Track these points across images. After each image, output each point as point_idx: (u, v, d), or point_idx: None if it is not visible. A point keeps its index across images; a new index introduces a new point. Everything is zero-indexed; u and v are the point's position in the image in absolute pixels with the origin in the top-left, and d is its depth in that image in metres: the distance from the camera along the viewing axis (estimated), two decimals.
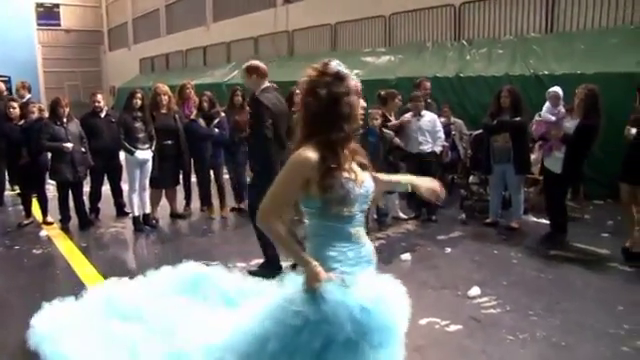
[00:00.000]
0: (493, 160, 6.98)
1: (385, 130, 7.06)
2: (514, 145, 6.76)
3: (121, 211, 8.07)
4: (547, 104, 6.65)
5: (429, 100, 8.22)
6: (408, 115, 7.55)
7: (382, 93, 7.86)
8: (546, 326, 4.35)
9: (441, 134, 7.56)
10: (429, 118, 7.47)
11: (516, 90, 6.99)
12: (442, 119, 8.18)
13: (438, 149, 7.47)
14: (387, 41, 13.85)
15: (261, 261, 5.83)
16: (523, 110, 6.79)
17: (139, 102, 7.17)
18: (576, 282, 5.32)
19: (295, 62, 16.01)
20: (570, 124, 6.18)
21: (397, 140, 7.16)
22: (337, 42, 15.48)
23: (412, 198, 7.93)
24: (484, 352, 3.94)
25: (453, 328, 4.34)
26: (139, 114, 7.16)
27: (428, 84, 8.77)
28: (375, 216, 7.27)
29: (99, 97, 7.65)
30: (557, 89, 6.68)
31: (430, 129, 7.44)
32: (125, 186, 7.75)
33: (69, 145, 6.92)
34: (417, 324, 4.36)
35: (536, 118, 6.63)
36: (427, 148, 7.42)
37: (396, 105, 7.74)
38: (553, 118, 6.44)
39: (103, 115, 7.60)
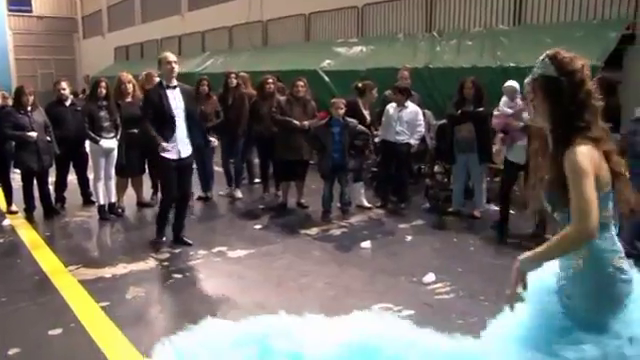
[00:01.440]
0: (457, 150, 7.10)
1: (349, 119, 7.13)
2: (477, 135, 6.90)
3: (87, 200, 8.05)
4: (504, 98, 6.77)
5: (413, 92, 8.21)
6: (391, 105, 7.63)
7: (359, 85, 7.94)
8: (496, 311, 4.45)
9: (421, 128, 7.60)
10: (411, 110, 7.53)
11: (479, 82, 7.10)
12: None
13: (414, 142, 7.51)
14: (359, 32, 13.90)
15: (222, 249, 5.93)
16: (486, 101, 6.93)
17: (104, 91, 7.16)
18: None
19: (269, 52, 16.03)
20: (528, 116, 6.29)
21: (361, 127, 7.23)
22: (311, 32, 15.50)
23: (380, 187, 8.08)
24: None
25: (405, 313, 4.44)
26: (104, 103, 7.16)
27: (406, 73, 8.80)
28: (339, 204, 7.36)
29: (64, 84, 7.59)
30: (513, 83, 6.80)
31: (410, 121, 7.49)
32: (91, 175, 7.73)
33: (33, 134, 6.89)
34: (370, 309, 4.48)
35: (495, 112, 6.74)
36: (403, 139, 7.48)
37: (373, 97, 7.82)
38: (510, 111, 6.57)
39: (68, 103, 7.55)
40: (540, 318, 2.47)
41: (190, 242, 6.22)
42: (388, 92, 8.12)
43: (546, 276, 2.48)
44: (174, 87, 5.85)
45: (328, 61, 12.68)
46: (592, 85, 2.30)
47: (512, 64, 9.20)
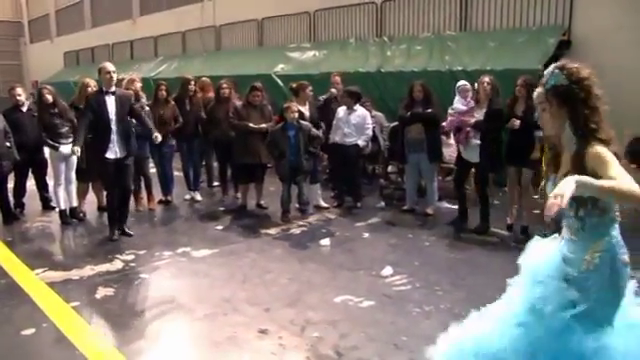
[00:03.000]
0: (408, 150, 7.45)
1: (303, 122, 7.38)
2: (427, 135, 7.26)
3: (47, 205, 8.06)
4: (457, 97, 7.17)
5: (367, 102, 8.56)
6: (342, 108, 7.92)
7: (294, 85, 8.22)
8: (451, 299, 4.81)
9: (369, 131, 7.89)
10: (359, 113, 7.81)
11: (427, 85, 7.45)
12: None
13: (361, 143, 7.79)
14: (312, 37, 14.19)
15: (186, 249, 6.12)
16: (434, 103, 7.31)
17: (50, 98, 7.24)
18: (480, 260, 5.85)
19: (222, 57, 16.15)
20: (479, 114, 6.68)
21: (315, 131, 7.49)
22: (264, 37, 15.70)
23: (336, 187, 8.36)
24: (393, 323, 4.34)
25: (366, 304, 4.73)
26: (55, 110, 7.24)
27: (338, 78, 9.10)
28: (297, 205, 7.60)
29: (19, 90, 7.60)
30: (465, 82, 7.22)
31: (358, 123, 7.78)
32: (50, 180, 7.76)
33: None
34: (332, 302, 4.77)
35: (449, 111, 7.13)
36: (350, 140, 7.77)
37: (308, 96, 8.08)
38: (464, 108, 6.98)
39: (25, 109, 7.56)
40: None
41: (131, 233, 6.80)
42: (323, 97, 8.54)
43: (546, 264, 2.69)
44: (112, 93, 6.43)
45: (282, 66, 12.92)
46: (600, 91, 2.55)
47: (459, 67, 9.64)
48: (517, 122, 6.26)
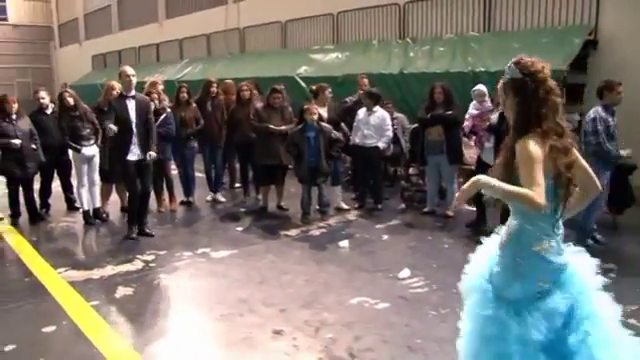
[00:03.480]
0: (427, 152, 7.41)
1: (323, 124, 7.40)
2: (447, 137, 7.22)
3: (72, 206, 8.21)
4: (474, 101, 7.12)
5: (389, 103, 8.58)
6: (362, 110, 7.92)
7: (313, 87, 8.22)
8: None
9: (389, 132, 7.87)
10: (379, 114, 7.80)
11: (448, 86, 7.42)
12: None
13: (382, 145, 7.77)
14: (335, 39, 14.20)
15: (206, 250, 6.16)
16: (455, 105, 7.26)
17: (71, 101, 7.39)
18: None
19: (246, 59, 16.25)
20: (494, 116, 6.63)
21: (336, 133, 7.50)
22: (287, 39, 15.75)
23: (357, 189, 8.35)
24: (408, 325, 4.33)
25: (382, 306, 4.72)
26: (76, 113, 7.37)
27: (366, 80, 9.14)
28: (318, 206, 7.61)
29: (42, 94, 7.76)
30: (481, 87, 7.15)
31: (377, 125, 7.76)
32: (75, 181, 7.90)
33: (17, 142, 7.04)
34: (348, 303, 4.77)
35: (466, 116, 7.09)
36: (371, 142, 7.75)
37: (327, 97, 8.09)
38: (476, 112, 6.93)
39: (49, 112, 7.71)
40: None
41: (152, 234, 6.91)
42: (348, 99, 8.48)
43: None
44: (133, 97, 6.58)
45: (305, 67, 12.94)
46: (553, 83, 2.65)
47: (482, 69, 9.55)
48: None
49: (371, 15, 13.23)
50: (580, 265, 2.77)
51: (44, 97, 7.72)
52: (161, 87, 8.02)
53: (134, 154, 6.58)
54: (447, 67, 10.21)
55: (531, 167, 2.50)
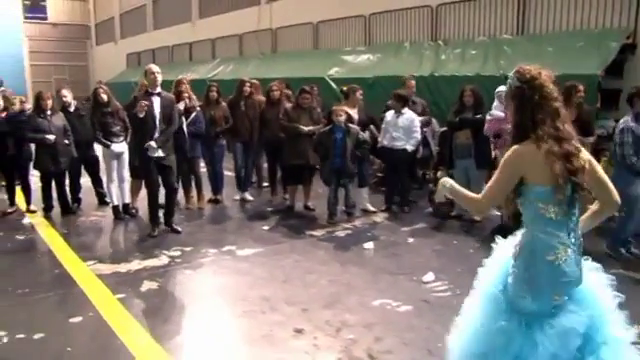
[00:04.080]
0: (455, 156, 7.35)
1: (351, 125, 7.39)
2: (475, 141, 7.15)
3: (102, 201, 8.36)
4: (496, 102, 6.94)
5: (415, 99, 8.45)
6: (390, 112, 7.87)
7: (344, 88, 8.21)
8: None
9: (417, 134, 7.77)
10: (408, 116, 7.73)
11: (478, 90, 7.36)
12: (424, 117, 8.48)
13: (410, 147, 7.70)
14: (367, 40, 14.18)
15: (232, 248, 6.21)
16: (484, 108, 7.18)
17: (105, 97, 7.53)
18: None
19: (278, 59, 16.34)
20: None
21: (363, 135, 7.49)
22: (319, 41, 15.79)
23: (385, 191, 8.32)
24: (429, 329, 4.30)
25: (404, 309, 4.70)
26: (108, 109, 7.50)
27: (413, 82, 9.03)
28: (344, 208, 7.61)
29: (64, 92, 7.91)
30: (504, 88, 7.04)
31: (406, 127, 7.70)
32: (104, 177, 8.04)
33: (51, 137, 7.20)
34: (370, 305, 4.76)
35: (487, 117, 6.95)
36: (400, 144, 7.70)
37: (357, 99, 8.08)
38: (502, 114, 6.81)
39: (72, 109, 7.86)
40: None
41: (179, 230, 6.99)
42: (390, 102, 8.39)
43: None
44: (158, 94, 6.65)
45: (336, 69, 12.95)
46: (551, 89, 2.63)
47: None
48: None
49: (403, 17, 13.18)
50: (597, 284, 2.71)
51: (66, 95, 7.88)
52: (186, 86, 8.04)
53: (154, 152, 6.65)
54: (478, 70, 10.10)
55: (497, 172, 2.63)
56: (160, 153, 6.66)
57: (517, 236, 2.76)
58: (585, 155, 2.62)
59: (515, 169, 2.58)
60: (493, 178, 2.65)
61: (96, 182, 8.34)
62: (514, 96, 2.69)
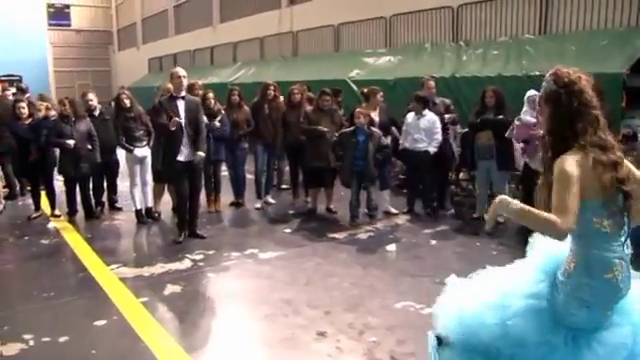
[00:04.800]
0: (477, 157, 7.29)
1: (374, 129, 7.37)
2: (497, 142, 7.08)
3: (113, 206, 8.44)
4: (525, 107, 6.82)
5: (436, 100, 8.32)
6: (410, 114, 7.83)
7: (365, 90, 8.19)
8: None
9: (438, 136, 7.68)
10: (429, 118, 7.67)
11: (500, 90, 7.28)
12: (450, 115, 8.41)
13: (432, 149, 7.63)
14: (387, 42, 14.13)
15: (254, 251, 6.24)
16: (506, 109, 7.10)
17: (127, 102, 7.60)
18: None
19: (299, 62, 16.37)
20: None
21: (385, 140, 7.46)
22: (340, 43, 15.78)
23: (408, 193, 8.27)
24: None
25: (427, 311, 4.63)
26: (131, 114, 7.58)
27: (432, 83, 8.74)
28: (366, 210, 7.59)
29: (91, 96, 7.99)
30: (535, 92, 6.92)
31: (427, 129, 7.65)
32: (122, 182, 8.20)
33: (70, 142, 7.28)
34: (393, 307, 4.74)
35: (516, 122, 6.83)
36: (422, 146, 7.63)
37: (378, 101, 8.05)
38: (534, 120, 6.69)
39: (97, 114, 7.92)
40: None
41: (205, 236, 6.89)
42: (411, 104, 8.33)
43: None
44: (182, 98, 6.62)
45: (357, 71, 12.93)
46: (591, 95, 2.49)
47: (537, 73, 9.26)
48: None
49: (424, 18, 13.11)
50: (634, 292, 2.58)
51: (92, 99, 7.95)
52: (200, 91, 7.99)
53: (183, 154, 6.61)
54: (500, 71, 10.00)
55: (562, 189, 2.36)
56: (189, 156, 6.62)
57: (564, 251, 2.59)
58: (627, 163, 2.52)
59: (576, 178, 2.37)
60: (560, 195, 2.36)
61: (110, 186, 8.39)
62: (549, 100, 2.54)
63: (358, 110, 7.37)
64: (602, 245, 2.45)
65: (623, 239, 2.49)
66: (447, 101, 8.68)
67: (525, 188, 6.96)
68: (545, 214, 2.36)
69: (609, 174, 2.39)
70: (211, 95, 7.95)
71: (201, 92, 7.97)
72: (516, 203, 2.44)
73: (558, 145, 2.49)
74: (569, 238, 2.52)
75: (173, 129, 6.43)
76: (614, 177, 2.40)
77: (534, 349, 2.55)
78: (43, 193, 8.16)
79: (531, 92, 6.96)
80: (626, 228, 2.49)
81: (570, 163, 2.39)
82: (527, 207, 2.41)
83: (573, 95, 2.47)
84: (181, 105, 6.60)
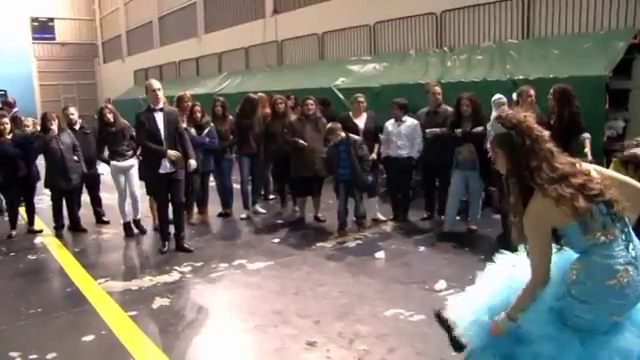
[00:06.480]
0: (456, 167, 7.14)
1: (352, 136, 7.29)
2: (479, 154, 6.82)
3: (100, 219, 8.35)
4: (494, 112, 6.56)
5: (437, 109, 7.85)
6: (389, 122, 7.82)
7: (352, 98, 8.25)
8: None
9: (419, 140, 7.66)
10: (409, 124, 7.67)
11: (476, 98, 7.15)
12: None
13: (415, 155, 7.65)
14: (372, 49, 14.19)
15: (242, 262, 6.21)
16: (484, 118, 6.81)
17: (110, 117, 7.58)
18: None
19: (284, 71, 16.39)
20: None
21: (363, 149, 7.32)
22: (325, 51, 15.83)
23: (393, 200, 8.25)
24: (442, 338, 4.20)
25: (416, 318, 4.66)
26: (113, 129, 7.56)
27: (438, 89, 8.20)
28: (354, 218, 7.58)
29: (72, 110, 8.02)
30: (501, 96, 6.87)
31: (409, 134, 7.64)
32: (106, 194, 8.23)
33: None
34: (382, 315, 4.74)
35: (488, 129, 6.70)
36: (405, 153, 7.64)
37: (361, 107, 8.05)
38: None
39: (77, 127, 7.92)
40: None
41: (192, 249, 6.82)
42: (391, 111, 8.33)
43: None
44: (160, 110, 6.63)
45: (342, 79, 12.94)
46: (538, 129, 2.60)
47: (521, 76, 9.36)
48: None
49: (408, 25, 13.18)
50: None
51: (73, 113, 7.97)
52: (190, 104, 7.99)
53: (164, 167, 6.60)
54: (485, 75, 10.06)
55: (532, 241, 2.56)
56: (170, 168, 6.60)
57: (569, 261, 2.64)
58: (589, 168, 2.58)
59: (543, 227, 2.53)
60: (532, 249, 2.57)
61: (94, 201, 8.33)
62: (502, 143, 2.63)
63: (331, 127, 7.30)
64: (602, 253, 2.48)
65: (628, 238, 2.52)
66: (449, 109, 8.32)
67: (499, 187, 6.90)
68: (522, 290, 2.59)
69: (580, 200, 2.45)
70: (198, 108, 7.92)
71: (190, 104, 7.97)
72: (504, 314, 2.65)
73: (520, 187, 2.59)
74: (572, 252, 2.64)
75: (174, 159, 6.56)
76: (588, 197, 2.47)
77: (543, 345, 2.59)
78: (22, 209, 8.05)
79: (497, 96, 6.94)
80: (626, 230, 2.52)
81: (533, 216, 2.55)
82: (512, 304, 2.62)
83: (524, 134, 2.56)
84: (159, 117, 6.59)
